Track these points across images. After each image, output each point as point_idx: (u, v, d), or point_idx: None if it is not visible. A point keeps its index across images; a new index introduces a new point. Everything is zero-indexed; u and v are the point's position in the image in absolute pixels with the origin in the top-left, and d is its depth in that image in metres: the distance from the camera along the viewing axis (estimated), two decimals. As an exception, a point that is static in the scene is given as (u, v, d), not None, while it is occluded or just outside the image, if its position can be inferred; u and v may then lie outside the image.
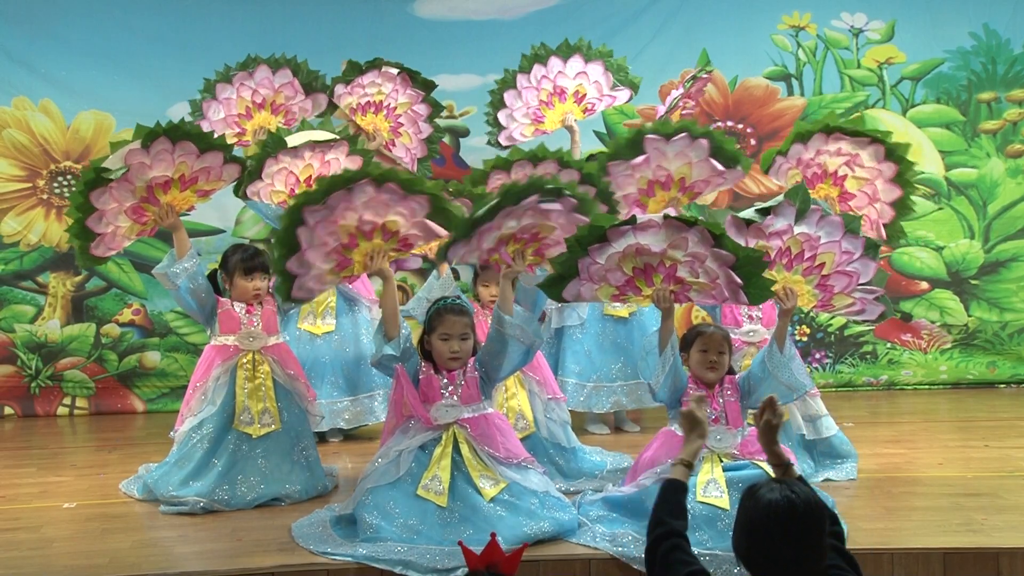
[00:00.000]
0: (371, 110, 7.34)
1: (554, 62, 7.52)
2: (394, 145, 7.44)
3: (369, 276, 6.04)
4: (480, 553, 3.53)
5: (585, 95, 7.53)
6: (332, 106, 7.38)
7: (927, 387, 8.94)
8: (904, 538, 5.26)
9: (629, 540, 5.10)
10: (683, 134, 6.31)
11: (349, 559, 5.05)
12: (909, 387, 8.94)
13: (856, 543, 5.11)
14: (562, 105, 7.53)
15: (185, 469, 5.94)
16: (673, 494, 3.74)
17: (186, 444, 6.03)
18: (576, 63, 7.53)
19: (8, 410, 8.60)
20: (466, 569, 4.95)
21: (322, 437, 7.14)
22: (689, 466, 3.77)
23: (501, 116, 7.56)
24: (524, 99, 7.52)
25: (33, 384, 8.61)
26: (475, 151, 8.83)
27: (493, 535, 3.65)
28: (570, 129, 7.47)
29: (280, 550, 5.23)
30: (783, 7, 8.92)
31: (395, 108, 7.39)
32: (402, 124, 7.41)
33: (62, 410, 8.63)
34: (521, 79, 7.54)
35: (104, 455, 7.29)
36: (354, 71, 7.30)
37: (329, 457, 6.73)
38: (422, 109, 7.45)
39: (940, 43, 8.89)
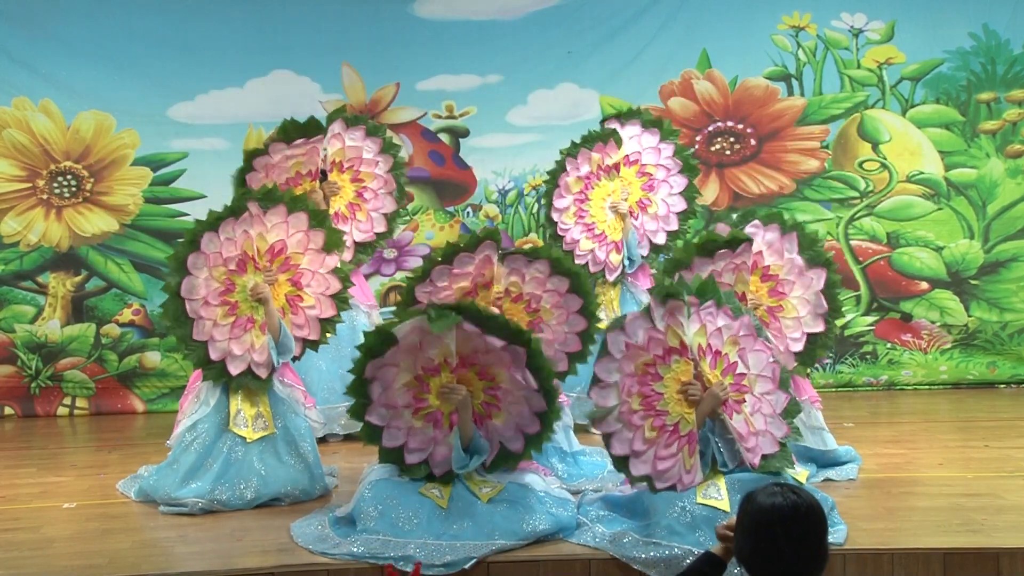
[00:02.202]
0: (307, 178, 7.31)
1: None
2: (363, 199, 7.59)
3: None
4: None
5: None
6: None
7: (927, 387, 8.93)
8: (904, 538, 5.26)
9: (629, 540, 5.09)
10: None
11: (348, 558, 5.05)
12: (909, 387, 8.94)
13: (856, 543, 5.13)
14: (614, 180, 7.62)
15: (181, 470, 5.95)
16: (710, 567, 3.69)
17: (180, 445, 6.05)
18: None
19: (8, 410, 8.59)
20: (471, 561, 4.99)
21: (322, 437, 7.13)
22: (728, 554, 3.69)
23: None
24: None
25: (33, 384, 8.61)
26: (475, 151, 8.83)
27: (389, 567, 3.69)
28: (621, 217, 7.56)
29: (280, 550, 5.23)
30: (783, 7, 8.91)
31: (338, 162, 7.48)
32: (362, 181, 7.55)
33: (62, 410, 8.62)
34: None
35: (104, 455, 7.29)
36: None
37: (329, 457, 6.73)
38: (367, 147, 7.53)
39: (940, 43, 8.88)
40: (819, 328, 6.21)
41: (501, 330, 5.28)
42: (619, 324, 5.27)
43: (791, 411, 5.26)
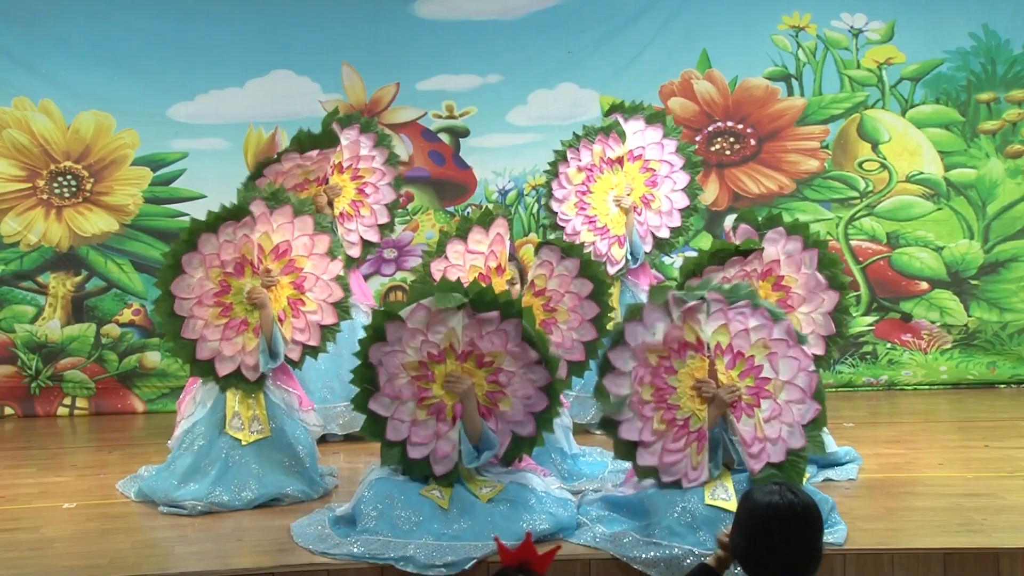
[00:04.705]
0: (314, 184, 7.33)
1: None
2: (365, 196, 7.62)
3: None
4: (515, 550, 3.51)
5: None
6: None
7: (927, 387, 8.93)
8: (904, 538, 5.26)
9: (629, 540, 5.09)
10: None
11: (348, 559, 5.05)
12: (909, 387, 8.94)
13: (856, 543, 5.12)
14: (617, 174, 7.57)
15: (178, 471, 5.96)
16: None
17: (179, 447, 6.06)
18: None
19: (8, 410, 8.60)
20: (471, 561, 4.98)
21: (322, 437, 7.13)
22: (725, 564, 3.70)
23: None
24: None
25: (33, 384, 8.61)
26: (475, 151, 8.84)
27: (529, 534, 3.65)
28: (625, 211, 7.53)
29: (280, 550, 5.23)
30: (783, 7, 8.92)
31: (348, 168, 7.52)
32: (362, 177, 7.56)
33: (62, 410, 8.62)
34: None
35: (104, 455, 7.29)
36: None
37: (329, 457, 6.74)
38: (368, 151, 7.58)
39: (940, 43, 8.89)
40: (819, 350, 6.14)
41: (490, 305, 5.24)
42: (637, 314, 5.26)
43: (819, 423, 5.14)
